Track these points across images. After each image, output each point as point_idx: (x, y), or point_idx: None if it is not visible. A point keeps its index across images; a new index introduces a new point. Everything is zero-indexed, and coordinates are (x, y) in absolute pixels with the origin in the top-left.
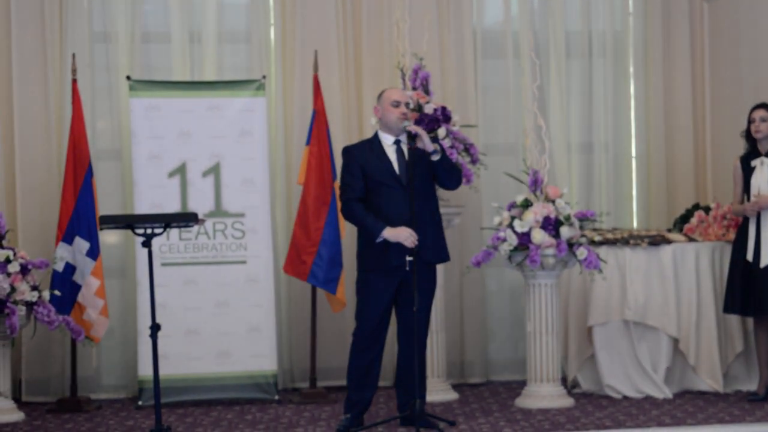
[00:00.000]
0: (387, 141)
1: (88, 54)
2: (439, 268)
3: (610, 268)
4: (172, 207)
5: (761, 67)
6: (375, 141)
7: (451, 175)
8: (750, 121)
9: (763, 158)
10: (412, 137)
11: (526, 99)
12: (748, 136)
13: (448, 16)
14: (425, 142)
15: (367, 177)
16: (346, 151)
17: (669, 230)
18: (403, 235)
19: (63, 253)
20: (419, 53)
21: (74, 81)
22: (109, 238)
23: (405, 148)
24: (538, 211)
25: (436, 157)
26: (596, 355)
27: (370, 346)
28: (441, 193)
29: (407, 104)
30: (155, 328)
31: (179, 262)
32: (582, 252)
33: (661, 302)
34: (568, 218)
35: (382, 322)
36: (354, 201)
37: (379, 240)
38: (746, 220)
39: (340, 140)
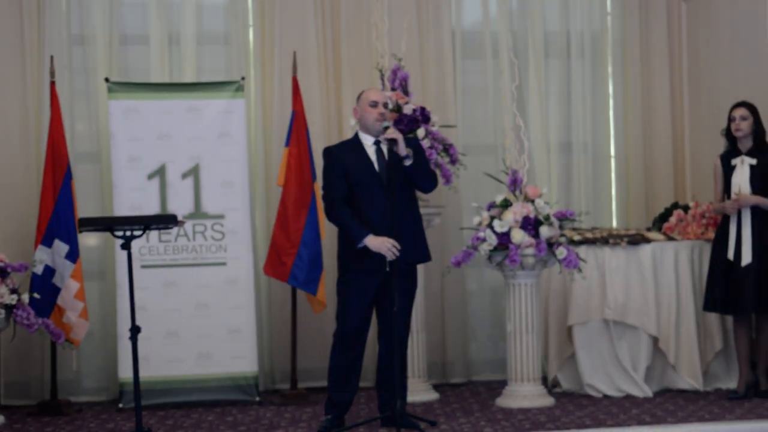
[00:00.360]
0: (367, 141)
1: (66, 56)
2: (420, 268)
3: (589, 267)
4: (152, 209)
5: (739, 66)
6: (355, 141)
7: (424, 178)
8: (730, 120)
9: (744, 157)
10: (391, 140)
11: (505, 99)
12: (728, 134)
13: (427, 17)
14: (399, 147)
15: (347, 177)
16: (327, 152)
17: (648, 229)
18: (384, 246)
19: (42, 256)
20: (398, 54)
21: (53, 83)
22: (88, 240)
23: (385, 148)
24: (518, 210)
25: (408, 162)
26: (576, 354)
27: (351, 347)
28: (421, 193)
29: (385, 104)
30: (135, 330)
31: (159, 264)
32: (561, 251)
33: (640, 301)
34: (547, 218)
35: (363, 322)
36: (339, 201)
37: (360, 246)
38: (726, 218)
39: (319, 141)
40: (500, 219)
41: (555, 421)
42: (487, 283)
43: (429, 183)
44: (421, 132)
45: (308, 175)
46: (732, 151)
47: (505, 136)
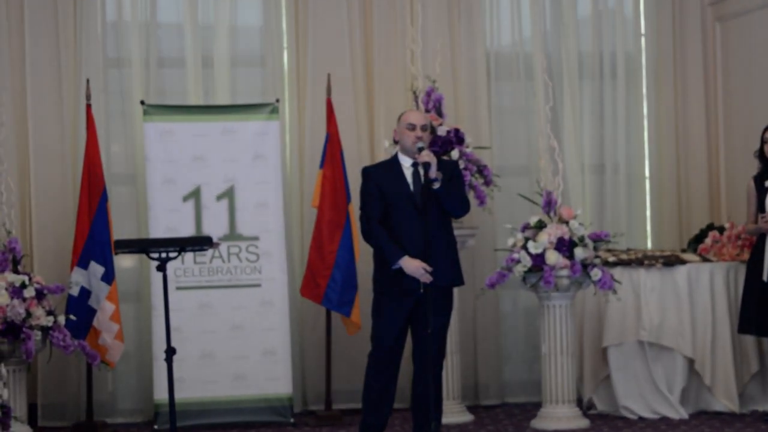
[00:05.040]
0: (405, 163)
1: (102, 79)
2: (455, 290)
3: (624, 288)
4: (187, 231)
5: None
6: (394, 162)
7: (453, 203)
8: (763, 141)
9: None
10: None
11: (539, 120)
12: (761, 155)
13: (460, 38)
14: (431, 169)
15: (383, 198)
16: (365, 172)
17: (683, 250)
18: (419, 272)
19: (78, 278)
20: (432, 76)
21: (89, 106)
22: (123, 262)
23: (422, 171)
24: (552, 232)
25: (436, 185)
26: (611, 376)
27: (386, 368)
28: None
29: (423, 127)
30: (170, 351)
31: (194, 285)
32: (596, 273)
33: (676, 323)
34: (582, 239)
35: (398, 343)
36: (375, 221)
37: (395, 267)
38: (761, 240)
39: (353, 163)
40: (535, 240)
41: None
42: (522, 305)
43: (458, 208)
44: (455, 154)
45: (342, 197)
46: (765, 172)
47: (539, 157)
